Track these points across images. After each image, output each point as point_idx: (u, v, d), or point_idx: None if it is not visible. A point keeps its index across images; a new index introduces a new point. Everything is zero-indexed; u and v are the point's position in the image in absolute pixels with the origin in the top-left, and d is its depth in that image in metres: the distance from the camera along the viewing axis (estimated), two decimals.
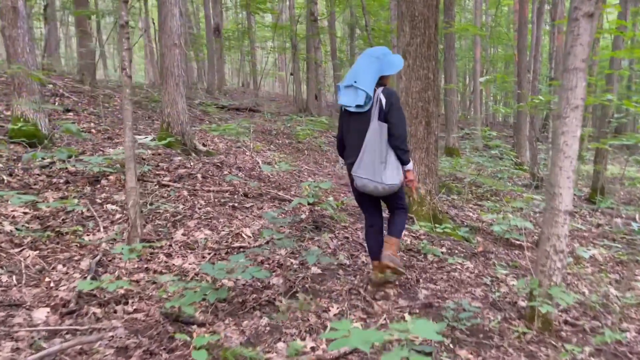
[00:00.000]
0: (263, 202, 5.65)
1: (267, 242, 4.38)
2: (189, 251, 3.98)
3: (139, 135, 7.33)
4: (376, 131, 3.36)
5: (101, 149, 6.40)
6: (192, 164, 6.54)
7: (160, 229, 4.37)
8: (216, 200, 5.30)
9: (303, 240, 4.60)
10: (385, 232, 3.81)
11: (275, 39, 26.55)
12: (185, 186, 5.54)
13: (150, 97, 11.46)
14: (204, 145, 8.33)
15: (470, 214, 7.88)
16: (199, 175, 6.04)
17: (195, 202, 5.14)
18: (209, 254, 4.02)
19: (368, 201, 3.74)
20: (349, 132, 3.53)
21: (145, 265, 3.72)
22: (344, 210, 6.11)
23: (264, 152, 9.11)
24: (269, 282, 3.72)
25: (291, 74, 17.27)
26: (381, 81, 3.48)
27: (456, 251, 5.27)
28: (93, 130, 7.26)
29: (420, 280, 4.20)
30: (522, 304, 3.86)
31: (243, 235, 4.43)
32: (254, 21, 27.45)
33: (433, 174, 6.31)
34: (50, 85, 9.22)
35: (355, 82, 3.38)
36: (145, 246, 3.88)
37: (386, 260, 3.57)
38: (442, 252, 5.07)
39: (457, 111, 17.78)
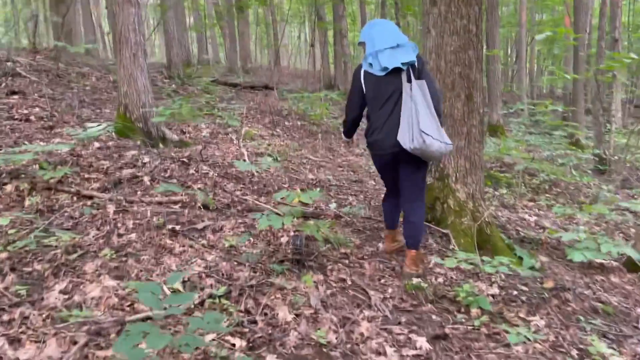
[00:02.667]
0: (228, 219, 3.92)
1: (194, 307, 2.65)
2: (52, 330, 2.29)
3: (90, 123, 5.68)
4: (420, 89, 3.19)
5: (26, 142, 4.80)
6: (147, 160, 4.86)
7: (28, 281, 2.71)
8: (153, 219, 3.60)
9: (264, 294, 2.85)
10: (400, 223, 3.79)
11: (295, 7, 24.53)
12: (116, 197, 3.86)
13: None
14: (182, 132, 6.64)
15: (527, 217, 5.95)
16: (145, 179, 4.35)
17: (118, 225, 3.46)
18: (87, 336, 2.32)
19: (390, 175, 3.58)
20: (379, 101, 3.32)
21: None
22: (349, 224, 4.33)
23: (262, 138, 7.37)
24: None
25: (311, 46, 15.36)
26: None
27: (514, 293, 3.42)
28: (32, 118, 5.66)
29: None
30: None
31: (165, 289, 2.71)
32: None
33: (477, 170, 4.43)
34: (9, 64, 7.70)
35: (398, 42, 3.29)
36: None
37: (407, 277, 3.36)
38: (491, 300, 3.24)
39: (501, 82, 15.53)
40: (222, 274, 3.00)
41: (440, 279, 3.49)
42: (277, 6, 24.45)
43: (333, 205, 4.74)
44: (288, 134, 8.69)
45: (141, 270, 2.89)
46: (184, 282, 2.86)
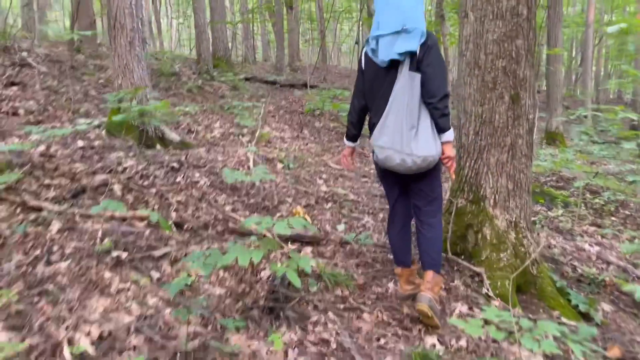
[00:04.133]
0: (200, 244, 3.17)
1: None
2: None
3: (83, 119, 5.09)
4: (405, 84, 2.58)
5: (3, 138, 4.24)
6: (130, 164, 4.19)
7: None
8: (100, 242, 2.89)
9: None
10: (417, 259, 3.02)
11: (347, 3, 23.69)
12: (68, 210, 3.19)
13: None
14: (189, 132, 5.98)
15: (586, 247, 4.89)
16: (116, 188, 3.67)
17: (54, 249, 2.76)
18: None
19: (393, 185, 2.95)
20: (378, 95, 2.72)
21: None
22: (355, 254, 3.48)
23: (283, 141, 6.61)
24: None
25: (356, 43, 14.51)
26: None
27: None
28: (21, 111, 5.12)
29: None
30: None
31: (66, 352, 1.98)
32: None
33: (522, 192, 3.48)
34: (25, 53, 7.29)
35: (404, 26, 2.55)
36: None
37: (423, 303, 2.61)
38: None
39: (563, 86, 14.13)
40: (159, 328, 2.24)
41: (463, 342, 2.59)
42: (328, 3, 23.70)
43: (342, 227, 3.90)
44: (316, 136, 7.90)
45: (48, 319, 2.17)
46: (101, 338, 2.12)
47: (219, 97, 8.56)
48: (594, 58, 23.04)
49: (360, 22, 16.58)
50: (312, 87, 14.54)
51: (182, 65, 10.71)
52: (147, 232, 3.12)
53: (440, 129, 2.63)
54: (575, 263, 4.31)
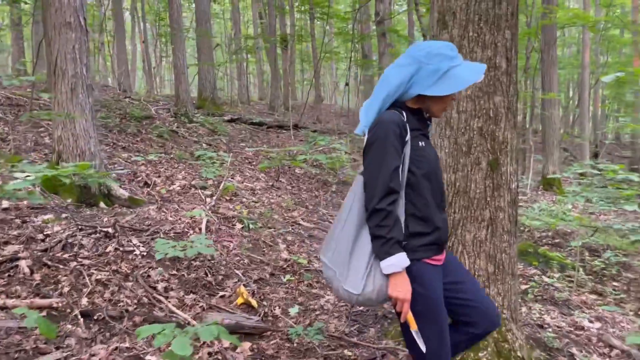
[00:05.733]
0: (107, 343, 2.57)
1: None
2: None
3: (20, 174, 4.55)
4: (353, 187, 1.98)
5: None
6: (56, 229, 3.63)
7: None
8: None
9: None
10: None
11: (342, 44, 23.55)
12: None
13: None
14: (146, 184, 5.43)
15: (585, 324, 4.27)
16: (23, 264, 3.08)
17: None
18: None
19: None
20: None
21: None
22: (302, 351, 2.86)
23: (253, 193, 6.06)
24: None
25: (346, 85, 14.18)
26: (416, 104, 1.98)
27: None
28: None
29: None
30: None
31: None
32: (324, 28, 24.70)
33: (505, 276, 2.90)
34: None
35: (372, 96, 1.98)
36: None
37: None
38: None
39: (559, 129, 13.69)
40: None
41: None
42: (324, 43, 23.64)
43: (295, 310, 3.30)
44: (294, 184, 7.36)
45: None
46: None
47: (193, 142, 8.07)
48: (591, 99, 22.78)
49: (351, 63, 16.30)
50: (302, 128, 14.16)
51: (161, 107, 10.30)
52: (22, 340, 2.51)
53: (376, 256, 1.87)
54: (573, 349, 3.68)
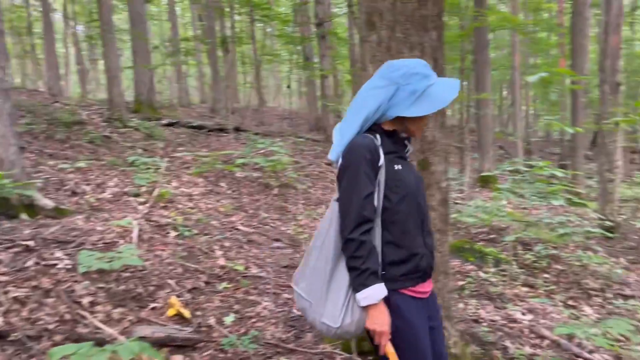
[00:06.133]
0: None
1: None
2: None
3: None
4: (328, 213, 1.89)
5: None
6: None
7: None
8: None
9: None
10: None
11: (285, 46, 23.47)
12: None
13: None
14: (73, 193, 5.16)
15: (518, 316, 4.42)
16: None
17: None
18: None
19: None
20: None
21: None
22: None
23: (190, 199, 5.89)
24: None
25: (287, 87, 14.14)
26: (393, 125, 1.92)
27: None
28: None
29: None
30: None
31: None
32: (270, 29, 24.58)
33: (438, 277, 2.93)
34: None
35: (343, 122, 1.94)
36: None
37: None
38: None
39: (493, 128, 14.24)
40: None
41: None
42: (265, 46, 23.40)
43: (230, 319, 3.21)
44: (234, 189, 7.22)
45: None
46: None
47: (127, 148, 7.77)
48: (523, 99, 23.83)
49: (293, 66, 16.30)
50: (244, 131, 13.98)
51: (94, 111, 9.88)
52: None
53: (353, 288, 1.79)
54: (507, 342, 3.79)
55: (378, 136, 1.87)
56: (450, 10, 13.18)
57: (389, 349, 1.78)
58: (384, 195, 1.82)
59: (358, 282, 1.74)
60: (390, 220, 1.83)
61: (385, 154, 1.84)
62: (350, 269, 1.76)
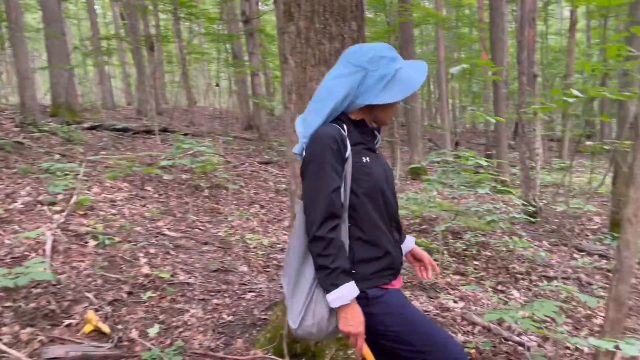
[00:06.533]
0: None
1: None
2: None
3: None
4: (299, 212, 1.76)
5: None
6: None
7: None
8: None
9: None
10: None
11: (212, 44, 23.00)
12: None
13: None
14: None
15: (451, 305, 4.49)
16: None
17: None
18: None
19: None
20: None
21: None
22: None
23: (112, 205, 5.57)
24: None
25: (216, 85, 13.82)
26: (360, 114, 1.81)
27: None
28: None
29: None
30: None
31: None
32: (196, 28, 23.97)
33: None
34: None
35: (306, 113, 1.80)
36: None
37: None
38: None
39: (421, 121, 14.59)
40: None
41: None
42: (192, 44, 22.73)
43: (155, 330, 3.02)
44: (162, 192, 6.93)
45: None
46: None
47: (43, 154, 7.27)
48: (449, 92, 24.66)
49: (221, 64, 15.94)
50: (172, 132, 13.53)
51: (5, 116, 9.19)
52: None
53: (322, 288, 1.67)
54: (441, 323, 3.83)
55: (345, 126, 1.76)
56: (376, 5, 13.36)
57: (365, 351, 1.66)
58: (350, 189, 1.71)
59: (329, 281, 1.61)
60: (358, 216, 1.72)
61: (352, 145, 1.74)
62: (318, 268, 1.64)
